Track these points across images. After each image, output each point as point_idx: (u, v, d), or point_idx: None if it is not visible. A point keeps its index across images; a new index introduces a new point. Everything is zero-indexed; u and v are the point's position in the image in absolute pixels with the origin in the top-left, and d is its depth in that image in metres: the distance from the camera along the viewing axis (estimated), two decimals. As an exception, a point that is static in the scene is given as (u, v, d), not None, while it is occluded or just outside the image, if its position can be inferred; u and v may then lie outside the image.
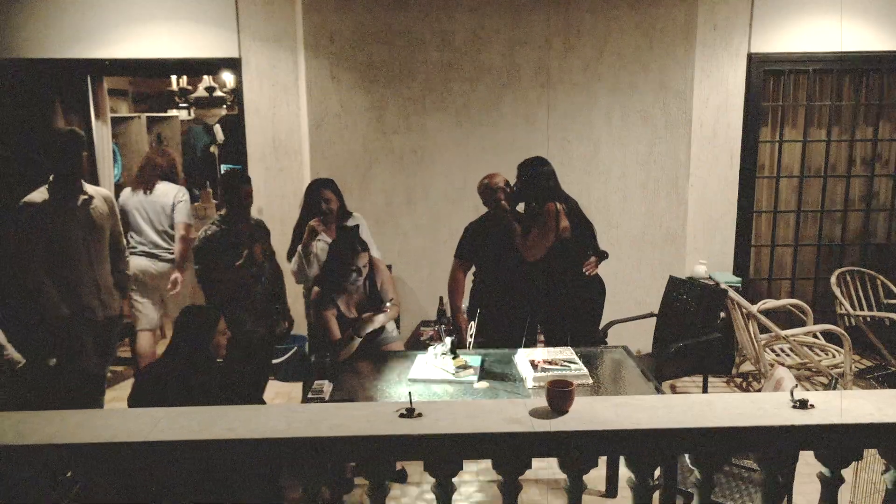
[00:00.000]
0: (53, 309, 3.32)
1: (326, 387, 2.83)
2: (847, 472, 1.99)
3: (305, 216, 3.75)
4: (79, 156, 3.37)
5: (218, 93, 6.52)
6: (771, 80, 5.10)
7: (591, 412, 1.95)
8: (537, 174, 3.66)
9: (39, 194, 3.35)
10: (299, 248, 3.68)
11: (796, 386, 2.04)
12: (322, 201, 3.71)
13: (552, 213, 3.58)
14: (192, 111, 7.65)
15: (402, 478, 3.44)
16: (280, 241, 4.15)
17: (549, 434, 1.86)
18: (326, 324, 3.35)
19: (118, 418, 1.96)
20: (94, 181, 5.19)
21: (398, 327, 3.87)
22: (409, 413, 1.93)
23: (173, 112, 8.13)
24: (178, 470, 1.87)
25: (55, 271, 3.34)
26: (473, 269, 3.86)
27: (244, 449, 1.84)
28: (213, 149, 7.30)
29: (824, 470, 1.96)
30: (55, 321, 3.33)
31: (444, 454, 1.89)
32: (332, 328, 3.34)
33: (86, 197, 3.43)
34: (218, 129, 6.98)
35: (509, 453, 1.88)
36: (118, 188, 7.22)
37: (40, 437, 1.83)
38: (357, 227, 3.84)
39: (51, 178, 3.38)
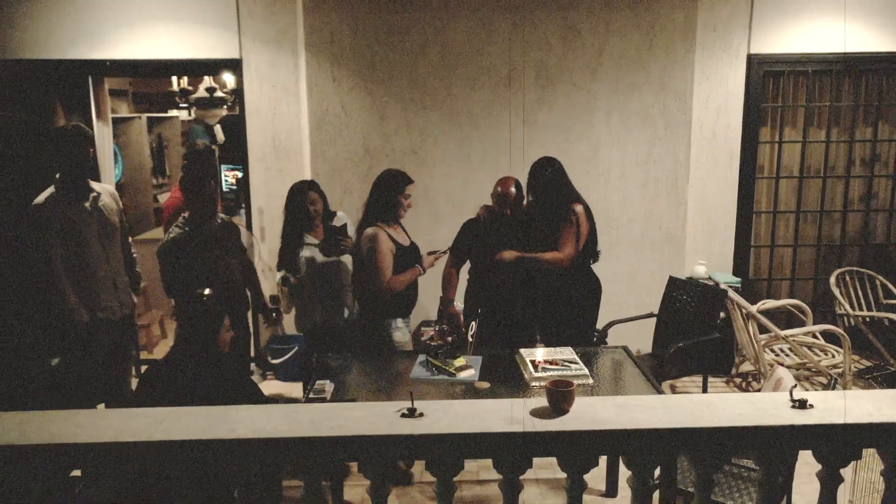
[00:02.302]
0: (72, 313, 3.26)
1: (328, 387, 2.84)
2: (846, 472, 2.00)
3: (290, 220, 3.70)
4: (86, 152, 3.31)
5: (218, 93, 6.52)
6: (770, 81, 5.11)
7: (590, 412, 1.96)
8: (548, 178, 3.61)
9: (48, 194, 3.29)
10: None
11: (795, 386, 2.05)
12: (308, 203, 3.66)
13: (583, 215, 3.60)
14: (192, 111, 7.65)
15: (407, 480, 3.46)
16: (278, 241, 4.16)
17: (550, 434, 1.87)
18: (378, 246, 3.37)
19: (121, 418, 1.97)
20: (97, 181, 5.20)
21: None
22: (411, 413, 1.93)
23: (174, 112, 8.15)
24: (181, 470, 1.88)
25: (73, 273, 3.28)
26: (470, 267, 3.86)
27: (246, 449, 1.85)
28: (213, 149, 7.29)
29: (823, 469, 1.97)
30: (73, 325, 3.28)
31: (445, 454, 1.90)
32: (385, 252, 3.38)
33: (95, 194, 3.39)
34: (218, 129, 6.98)
35: (510, 453, 1.89)
36: (119, 189, 7.25)
37: (43, 436, 1.84)
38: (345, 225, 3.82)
39: (57, 176, 3.32)
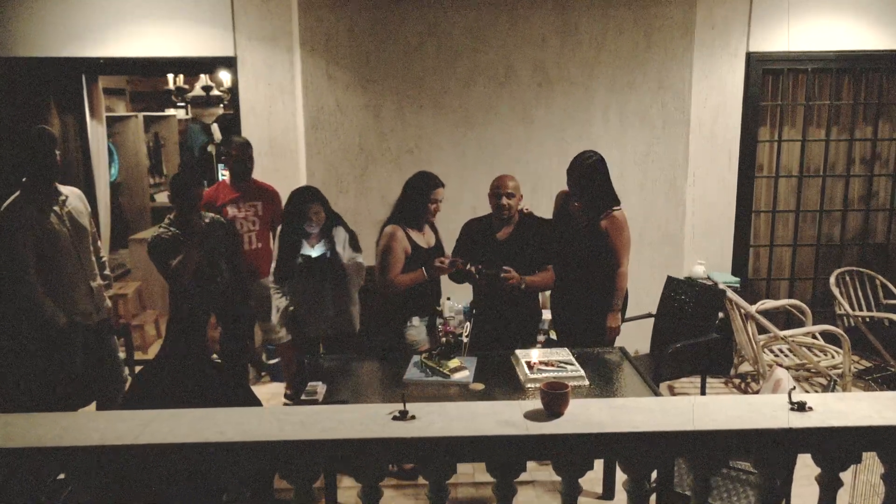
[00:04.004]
0: (50, 318, 3.23)
1: (320, 388, 2.81)
2: (846, 475, 1.97)
3: (288, 230, 3.60)
4: (52, 155, 3.24)
5: (215, 92, 6.49)
6: (770, 80, 5.08)
7: (586, 414, 1.93)
8: (586, 169, 3.51)
9: (17, 198, 3.24)
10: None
11: (794, 388, 2.02)
12: (309, 215, 3.54)
13: (625, 221, 3.52)
14: (189, 110, 7.62)
15: (412, 476, 3.44)
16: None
17: (544, 437, 1.83)
18: (391, 244, 3.35)
19: (107, 421, 1.93)
20: (90, 181, 5.17)
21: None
22: (403, 416, 1.90)
23: (171, 111, 8.12)
24: (168, 474, 1.84)
25: (47, 277, 3.24)
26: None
27: (235, 452, 1.81)
28: (210, 148, 7.27)
29: (823, 473, 1.93)
30: (50, 330, 3.24)
31: (438, 457, 1.86)
32: (398, 251, 3.35)
33: (63, 197, 3.35)
34: (215, 128, 6.95)
35: (503, 456, 1.86)
36: (115, 188, 7.22)
37: (27, 439, 1.81)
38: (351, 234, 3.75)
39: (23, 180, 3.26)
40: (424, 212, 3.43)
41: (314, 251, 3.55)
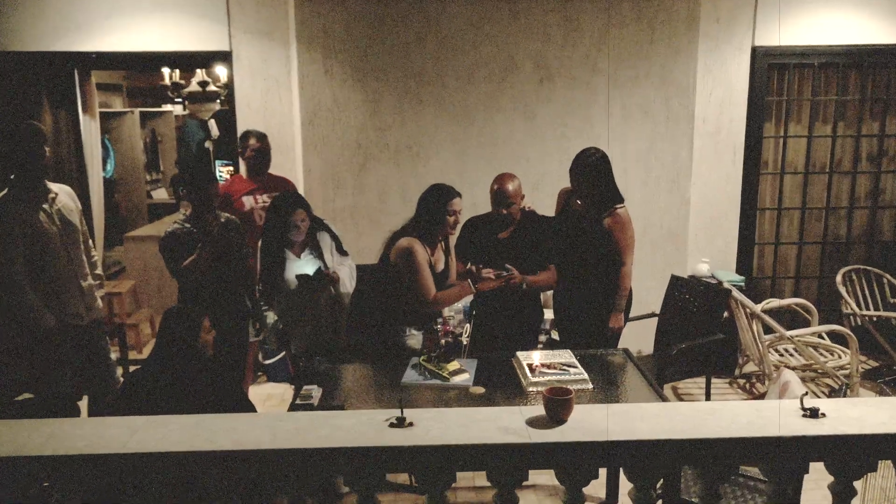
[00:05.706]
0: (38, 319, 3.14)
1: (315, 392, 2.74)
2: (856, 481, 1.90)
3: (271, 238, 3.41)
4: (40, 151, 3.15)
5: (211, 87, 6.41)
6: (775, 74, 5.00)
7: (590, 421, 1.86)
8: (589, 167, 3.42)
9: (5, 196, 3.16)
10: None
11: (806, 393, 1.95)
12: (294, 223, 3.34)
13: (628, 218, 3.44)
14: (185, 106, 7.54)
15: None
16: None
17: (547, 445, 1.77)
18: (416, 259, 3.16)
19: (93, 428, 1.88)
20: (83, 177, 5.10)
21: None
22: (400, 422, 1.85)
23: (167, 107, 8.05)
24: (156, 483, 1.78)
25: (36, 277, 3.16)
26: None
27: (226, 461, 1.75)
28: (207, 144, 7.20)
29: (836, 482, 1.86)
30: (39, 333, 3.16)
31: (436, 466, 1.80)
32: (424, 264, 3.18)
33: (52, 195, 3.27)
34: (212, 124, 6.87)
35: (504, 465, 1.80)
36: (111, 184, 7.16)
37: (10, 448, 1.75)
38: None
39: (11, 177, 3.18)
40: (443, 225, 3.23)
41: (307, 267, 3.37)
